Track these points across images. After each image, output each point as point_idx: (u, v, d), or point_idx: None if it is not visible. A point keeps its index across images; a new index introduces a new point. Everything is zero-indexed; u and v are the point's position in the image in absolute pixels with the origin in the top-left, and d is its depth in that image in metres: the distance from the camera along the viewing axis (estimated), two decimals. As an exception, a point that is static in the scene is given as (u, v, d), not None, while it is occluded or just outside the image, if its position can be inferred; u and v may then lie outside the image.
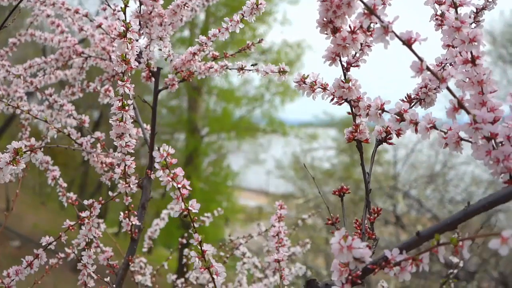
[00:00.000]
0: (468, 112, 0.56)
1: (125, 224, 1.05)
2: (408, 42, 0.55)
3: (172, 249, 1.69)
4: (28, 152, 0.71)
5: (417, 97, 0.75)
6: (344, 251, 0.55)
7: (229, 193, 11.39)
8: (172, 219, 1.74)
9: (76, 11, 1.16)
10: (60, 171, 1.19)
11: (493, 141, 0.58)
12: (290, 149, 10.68)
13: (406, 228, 6.25)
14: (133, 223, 1.05)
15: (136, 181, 0.98)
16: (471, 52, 0.59)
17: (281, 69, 0.93)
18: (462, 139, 0.60)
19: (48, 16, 1.27)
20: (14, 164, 0.73)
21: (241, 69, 1.04)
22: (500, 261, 6.24)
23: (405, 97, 0.76)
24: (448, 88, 0.56)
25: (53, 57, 1.29)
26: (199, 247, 0.71)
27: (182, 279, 1.46)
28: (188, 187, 0.69)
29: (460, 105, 0.56)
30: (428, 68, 0.55)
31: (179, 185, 0.68)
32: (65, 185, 1.18)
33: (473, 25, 0.79)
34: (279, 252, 1.02)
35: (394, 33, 0.55)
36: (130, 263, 1.08)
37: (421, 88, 0.75)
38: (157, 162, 0.67)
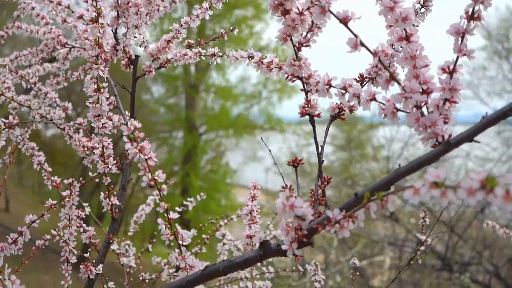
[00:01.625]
0: (399, 83, 0.62)
1: (105, 204, 1.10)
2: (344, 20, 0.61)
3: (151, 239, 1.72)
4: (6, 129, 0.77)
5: (369, 76, 0.81)
6: (287, 209, 0.60)
7: (228, 190, 11.44)
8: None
9: (59, 3, 1.22)
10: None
11: (425, 109, 0.64)
12: (286, 145, 10.73)
13: (399, 221, 6.31)
14: (113, 203, 1.11)
15: (114, 162, 1.04)
16: (405, 30, 0.65)
17: (250, 55, 0.99)
18: (398, 109, 0.65)
19: (33, 8, 1.33)
20: (-6, 141, 0.78)
21: (213, 55, 1.10)
22: (494, 253, 6.31)
23: (358, 76, 0.82)
24: (380, 61, 0.62)
25: (38, 48, 1.34)
26: (166, 215, 0.77)
27: (166, 260, 1.52)
28: (155, 159, 0.75)
29: (392, 77, 0.62)
30: (362, 44, 0.61)
31: (146, 157, 0.74)
32: (50, 169, 1.23)
33: (422, 9, 0.85)
34: (251, 228, 1.08)
35: (331, 12, 0.61)
36: (111, 241, 1.13)
37: (372, 67, 0.81)
38: (125, 136, 0.73)
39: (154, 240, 1.67)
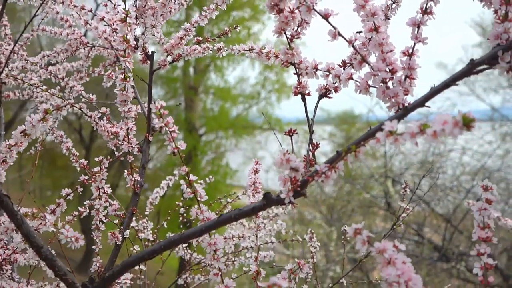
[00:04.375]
0: (368, 64, 0.80)
1: (129, 180, 1.28)
2: (325, 16, 0.79)
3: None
4: (55, 111, 0.94)
5: (350, 62, 0.99)
6: (284, 162, 0.78)
7: (228, 191, 11.58)
8: (172, 218, 1.96)
9: (82, 8, 1.40)
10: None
11: (391, 84, 0.82)
12: (286, 143, 10.86)
13: (396, 214, 6.49)
14: (136, 179, 1.29)
15: (137, 142, 1.22)
16: (374, 22, 0.82)
17: (250, 48, 1.17)
18: (369, 85, 0.83)
19: (57, 13, 1.50)
20: (44, 121, 0.96)
21: (219, 49, 1.28)
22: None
23: (341, 62, 0.99)
24: (354, 47, 0.79)
25: (63, 47, 1.52)
26: (187, 178, 0.95)
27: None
28: (177, 131, 0.92)
29: (363, 59, 0.80)
30: (339, 34, 0.79)
31: (171, 130, 0.92)
32: (77, 154, 1.41)
33: (394, 5, 1.02)
34: (254, 197, 1.25)
35: (315, 10, 0.79)
36: (134, 212, 1.31)
37: (352, 55, 0.98)
38: (153, 112, 0.91)
39: (167, 218, 1.84)
